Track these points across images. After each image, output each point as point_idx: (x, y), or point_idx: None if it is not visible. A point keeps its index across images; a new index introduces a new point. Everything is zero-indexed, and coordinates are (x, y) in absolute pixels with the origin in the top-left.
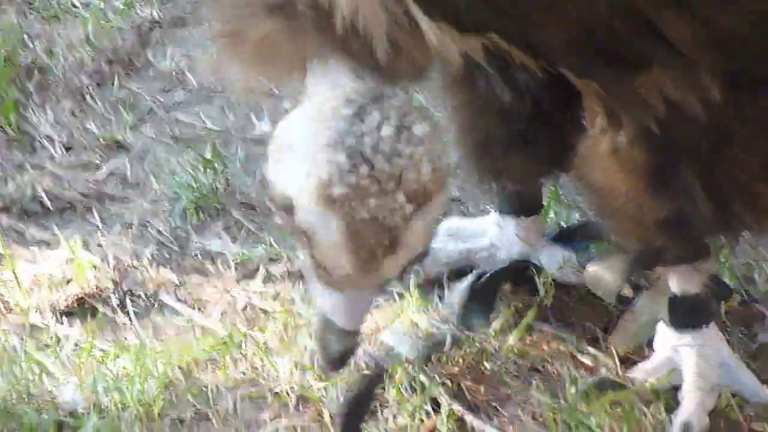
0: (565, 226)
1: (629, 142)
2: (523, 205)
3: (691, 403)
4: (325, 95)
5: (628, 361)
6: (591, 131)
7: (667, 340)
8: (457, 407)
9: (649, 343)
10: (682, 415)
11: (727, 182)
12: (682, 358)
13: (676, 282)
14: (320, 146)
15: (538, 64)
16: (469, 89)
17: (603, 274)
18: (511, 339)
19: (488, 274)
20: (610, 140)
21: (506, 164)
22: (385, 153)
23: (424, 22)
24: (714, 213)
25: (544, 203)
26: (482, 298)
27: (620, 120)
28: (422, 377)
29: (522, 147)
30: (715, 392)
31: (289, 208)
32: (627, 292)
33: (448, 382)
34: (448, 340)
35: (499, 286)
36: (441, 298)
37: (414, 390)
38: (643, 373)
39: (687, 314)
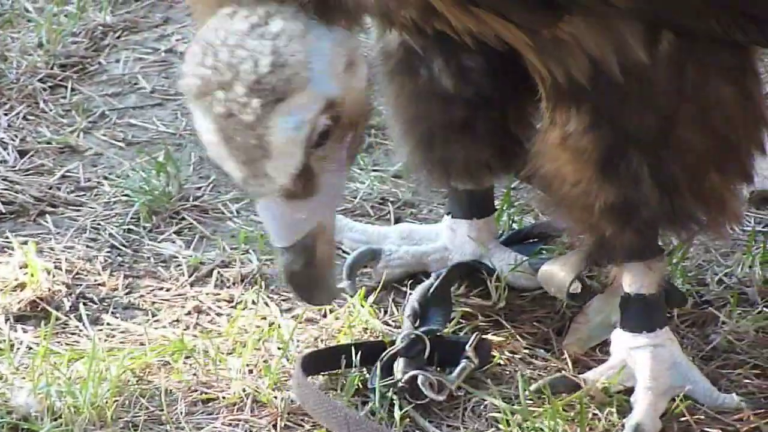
0: (517, 229)
1: (578, 130)
2: (475, 206)
3: (643, 406)
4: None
5: (580, 364)
6: (542, 124)
7: (622, 342)
8: (409, 409)
9: (605, 345)
10: (634, 417)
11: (674, 169)
12: (636, 360)
13: (630, 282)
14: (197, 43)
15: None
16: (409, 77)
17: (555, 271)
18: None
19: (440, 276)
20: (560, 130)
21: (449, 153)
22: (230, 45)
23: None
24: (661, 200)
25: (497, 207)
26: (439, 301)
27: (567, 101)
28: (376, 379)
29: (464, 134)
30: (668, 395)
31: None
32: (577, 288)
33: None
34: (401, 343)
35: (450, 287)
36: (395, 302)
37: (365, 393)
38: (599, 374)
39: (640, 316)
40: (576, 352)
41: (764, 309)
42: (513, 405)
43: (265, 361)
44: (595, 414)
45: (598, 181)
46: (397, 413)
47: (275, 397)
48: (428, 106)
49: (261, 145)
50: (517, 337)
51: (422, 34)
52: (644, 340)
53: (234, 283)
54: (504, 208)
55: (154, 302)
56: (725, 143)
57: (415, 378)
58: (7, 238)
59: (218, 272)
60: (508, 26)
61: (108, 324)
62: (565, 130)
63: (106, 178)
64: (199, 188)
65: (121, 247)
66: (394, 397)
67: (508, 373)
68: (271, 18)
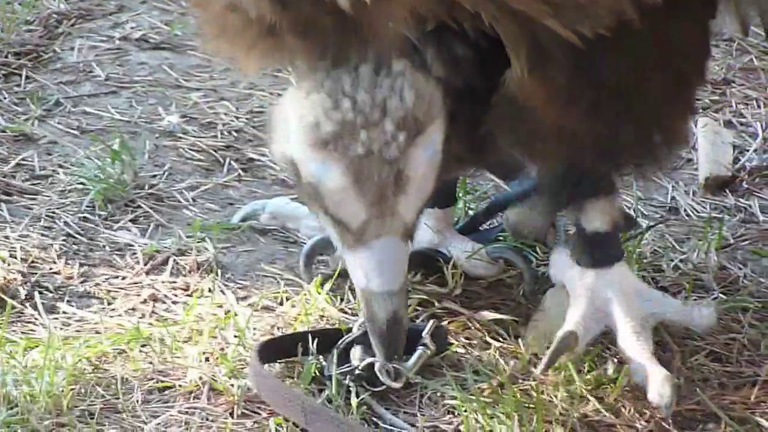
0: (472, 215)
1: (565, 81)
2: (438, 196)
3: (642, 354)
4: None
5: None
6: (519, 69)
7: (580, 283)
8: (366, 397)
9: None
10: (650, 371)
11: (640, 106)
12: (606, 299)
13: (589, 220)
14: (303, 98)
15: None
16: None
17: (526, 215)
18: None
19: None
20: (544, 79)
21: None
22: (365, 86)
23: None
24: (629, 135)
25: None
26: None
27: (550, 60)
28: (332, 367)
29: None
30: (648, 325)
31: (294, 169)
32: (551, 237)
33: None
34: (357, 331)
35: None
36: (351, 289)
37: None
38: (574, 324)
39: (601, 252)
40: (539, 349)
41: (720, 295)
42: (470, 393)
43: (221, 350)
44: (550, 400)
45: (583, 121)
46: (354, 401)
47: (232, 385)
48: None
49: (398, 180)
50: (474, 324)
51: (420, 26)
52: (610, 276)
53: (190, 271)
54: (460, 195)
55: (109, 290)
56: (684, 78)
57: (371, 365)
58: None
59: (174, 260)
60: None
61: (63, 312)
62: (549, 82)
63: (61, 166)
64: (155, 176)
65: (77, 236)
66: (351, 384)
67: (465, 359)
68: (379, 60)
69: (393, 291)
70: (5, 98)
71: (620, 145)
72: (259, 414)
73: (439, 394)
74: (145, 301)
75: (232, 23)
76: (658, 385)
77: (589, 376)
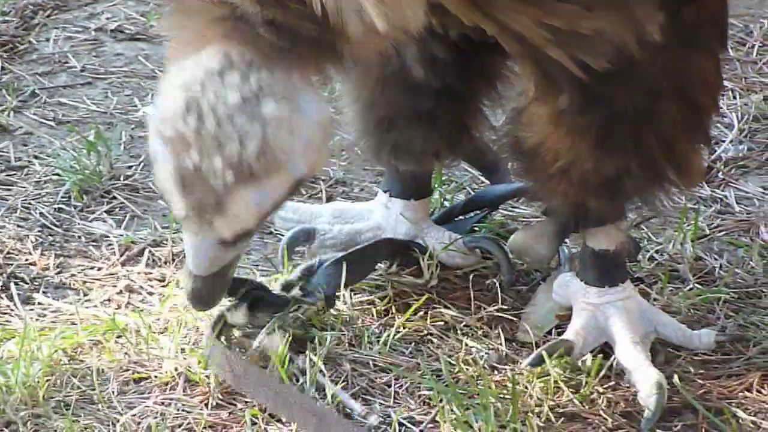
0: (449, 206)
1: (572, 108)
2: (415, 187)
3: (638, 361)
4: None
5: (514, 341)
6: (527, 95)
7: (584, 299)
8: (339, 393)
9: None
10: (645, 378)
11: (653, 138)
12: (608, 315)
13: (595, 241)
14: (177, 86)
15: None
16: (378, 65)
17: (529, 242)
18: (397, 321)
19: (364, 245)
20: (551, 107)
21: (408, 140)
22: (219, 116)
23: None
24: (641, 169)
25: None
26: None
27: (556, 83)
28: (302, 362)
29: (425, 122)
30: (646, 342)
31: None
32: (554, 263)
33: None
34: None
35: (376, 260)
36: None
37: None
38: (573, 334)
39: (606, 271)
40: (532, 340)
41: (696, 286)
42: (445, 384)
43: (195, 342)
44: (525, 391)
45: (591, 155)
46: (329, 392)
47: (207, 377)
48: (394, 93)
49: (218, 205)
50: (450, 314)
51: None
52: (613, 295)
53: (165, 262)
54: (437, 186)
55: (85, 281)
56: (696, 110)
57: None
58: None
59: (150, 251)
60: (529, 24)
61: (39, 303)
62: (556, 108)
63: (36, 157)
64: (130, 167)
65: (52, 227)
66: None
67: (441, 350)
68: (262, 92)
69: (199, 275)
70: None
71: (630, 179)
72: (235, 405)
73: (414, 384)
74: (120, 292)
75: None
76: (648, 390)
77: (564, 367)
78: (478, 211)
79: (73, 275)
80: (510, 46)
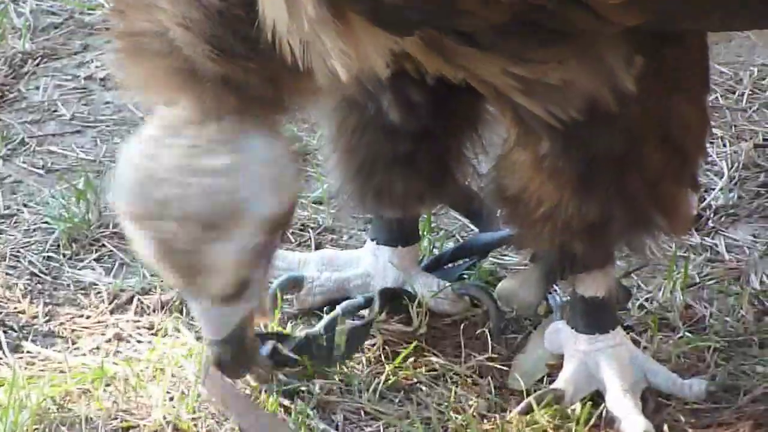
0: (438, 254)
1: (553, 153)
2: (402, 234)
3: (628, 409)
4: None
5: (503, 389)
6: (509, 140)
7: (574, 347)
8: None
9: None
10: (635, 424)
11: (638, 183)
12: (598, 362)
13: (586, 287)
14: (125, 163)
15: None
16: (355, 109)
17: (516, 289)
18: (387, 369)
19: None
20: (532, 152)
21: (389, 184)
22: (172, 180)
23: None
24: (626, 214)
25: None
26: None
27: (534, 128)
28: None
29: (405, 165)
30: (637, 390)
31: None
32: (542, 310)
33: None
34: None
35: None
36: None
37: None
38: (563, 382)
39: (596, 318)
40: (524, 387)
41: (686, 334)
42: None
43: (183, 391)
44: None
45: (574, 200)
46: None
47: (195, 425)
48: (373, 137)
49: (199, 265)
50: (439, 362)
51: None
52: (604, 342)
53: (154, 310)
54: (425, 233)
55: (74, 330)
56: (680, 154)
57: None
58: None
59: (138, 299)
60: (495, 72)
61: (28, 351)
62: (537, 153)
63: (25, 205)
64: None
65: (41, 275)
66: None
67: (430, 398)
68: (209, 145)
69: (216, 340)
70: None
71: (615, 224)
72: None
73: None
74: (109, 341)
75: (150, 45)
76: None
77: (554, 414)
78: (467, 259)
79: (61, 323)
80: (483, 91)
